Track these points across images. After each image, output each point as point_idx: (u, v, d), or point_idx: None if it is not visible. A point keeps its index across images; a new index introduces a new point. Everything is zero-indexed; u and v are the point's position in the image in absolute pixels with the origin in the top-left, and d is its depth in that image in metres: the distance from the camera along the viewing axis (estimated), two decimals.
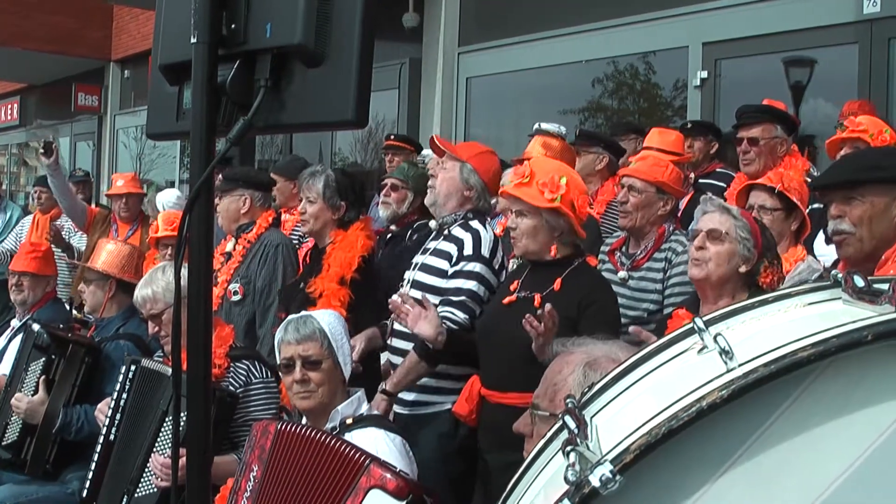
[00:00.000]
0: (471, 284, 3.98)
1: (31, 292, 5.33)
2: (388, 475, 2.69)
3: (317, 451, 2.86)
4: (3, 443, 4.51)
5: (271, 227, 5.19)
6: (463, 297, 3.97)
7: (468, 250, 4.02)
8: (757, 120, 4.83)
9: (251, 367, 3.84)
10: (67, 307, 5.40)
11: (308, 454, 2.88)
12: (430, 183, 4.26)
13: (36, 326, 4.51)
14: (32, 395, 4.39)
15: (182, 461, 1.81)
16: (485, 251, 4.03)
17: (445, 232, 4.13)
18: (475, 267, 4.00)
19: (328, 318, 3.41)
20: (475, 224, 4.12)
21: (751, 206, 3.86)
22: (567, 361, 2.08)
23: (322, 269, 4.39)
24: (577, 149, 5.57)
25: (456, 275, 4.02)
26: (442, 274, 4.05)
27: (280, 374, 3.40)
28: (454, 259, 4.04)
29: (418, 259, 4.18)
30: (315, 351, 3.27)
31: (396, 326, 4.08)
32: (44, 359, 4.42)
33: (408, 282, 4.15)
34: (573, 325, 3.43)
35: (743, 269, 3.17)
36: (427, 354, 3.93)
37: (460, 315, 3.94)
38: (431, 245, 4.18)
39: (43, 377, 4.39)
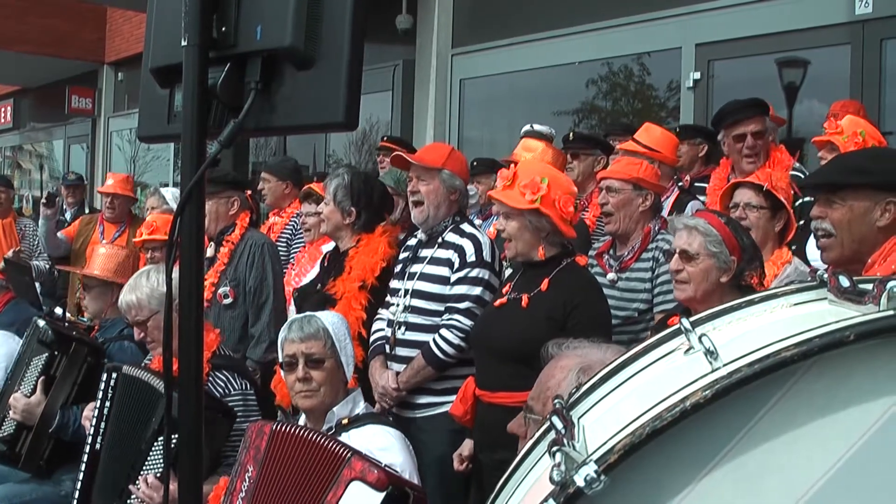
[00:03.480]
0: (477, 290, 4.00)
1: None
2: (369, 467, 2.74)
3: (307, 449, 2.90)
4: (0, 435, 4.49)
5: (251, 228, 5.23)
6: (469, 304, 3.98)
7: (471, 256, 4.03)
8: (754, 114, 4.75)
9: (230, 378, 3.82)
10: (61, 311, 5.35)
11: (300, 453, 2.91)
12: (413, 199, 4.20)
13: (41, 322, 4.48)
14: (31, 394, 4.37)
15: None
16: (487, 256, 4.04)
17: (439, 240, 4.14)
18: (480, 273, 4.02)
19: (332, 319, 3.43)
20: (469, 228, 4.14)
21: (736, 205, 3.86)
22: (561, 366, 2.08)
23: (343, 272, 4.37)
24: (575, 151, 5.57)
25: (461, 281, 4.03)
26: (444, 281, 4.07)
27: (282, 372, 3.40)
28: (456, 265, 4.05)
29: (415, 269, 4.16)
30: (318, 349, 3.29)
31: (399, 335, 4.09)
32: (46, 354, 4.41)
33: (406, 292, 4.14)
34: (560, 326, 3.46)
35: (724, 279, 3.16)
36: (435, 360, 3.96)
37: (466, 322, 3.96)
38: (426, 253, 4.17)
39: (42, 377, 4.37)
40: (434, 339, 3.99)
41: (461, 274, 4.03)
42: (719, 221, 3.24)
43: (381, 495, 2.69)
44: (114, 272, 4.90)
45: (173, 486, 1.83)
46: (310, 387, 3.26)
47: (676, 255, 3.23)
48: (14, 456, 4.43)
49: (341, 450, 2.83)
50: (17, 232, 8.25)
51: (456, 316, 3.98)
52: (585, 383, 1.38)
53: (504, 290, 3.78)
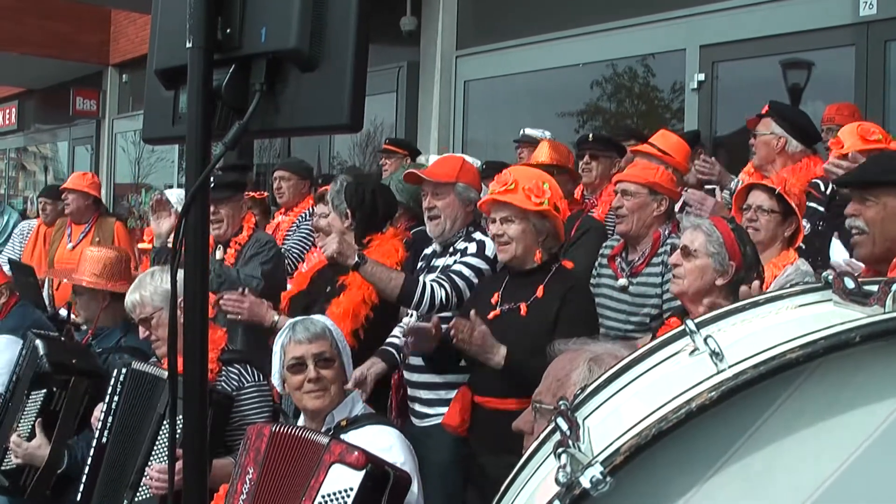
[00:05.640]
0: (468, 272, 4.00)
1: None
2: (347, 449, 2.81)
3: (299, 446, 2.96)
4: (2, 468, 4.37)
5: (257, 228, 5.28)
6: (458, 280, 3.97)
7: (472, 250, 4.07)
8: (765, 115, 4.85)
9: (243, 370, 3.83)
10: (64, 312, 5.33)
11: (294, 452, 2.96)
12: (430, 214, 4.19)
13: (40, 345, 4.32)
14: (30, 436, 4.23)
15: (179, 465, 1.82)
16: (489, 253, 4.05)
17: (451, 249, 4.17)
18: (476, 261, 4.04)
19: (330, 322, 3.46)
20: (479, 235, 4.16)
21: (748, 206, 3.89)
22: (570, 358, 2.10)
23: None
24: (594, 153, 5.53)
25: (458, 262, 4.06)
26: None
27: (287, 375, 3.35)
28: (457, 259, 4.08)
29: (429, 279, 4.17)
30: (327, 348, 3.31)
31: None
32: (45, 391, 4.26)
33: None
34: (553, 328, 3.46)
35: (720, 281, 3.22)
36: (409, 293, 3.90)
37: (447, 287, 3.94)
38: (439, 263, 4.20)
39: (40, 419, 4.22)
40: (431, 284, 3.94)
41: (462, 259, 4.06)
42: (726, 227, 3.32)
43: (361, 474, 2.75)
44: (100, 276, 4.68)
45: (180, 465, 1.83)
46: (321, 385, 3.26)
47: (678, 250, 3.35)
48: (19, 489, 4.29)
49: (322, 438, 2.91)
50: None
51: (443, 278, 3.96)
52: (590, 385, 1.38)
53: (493, 300, 3.76)
